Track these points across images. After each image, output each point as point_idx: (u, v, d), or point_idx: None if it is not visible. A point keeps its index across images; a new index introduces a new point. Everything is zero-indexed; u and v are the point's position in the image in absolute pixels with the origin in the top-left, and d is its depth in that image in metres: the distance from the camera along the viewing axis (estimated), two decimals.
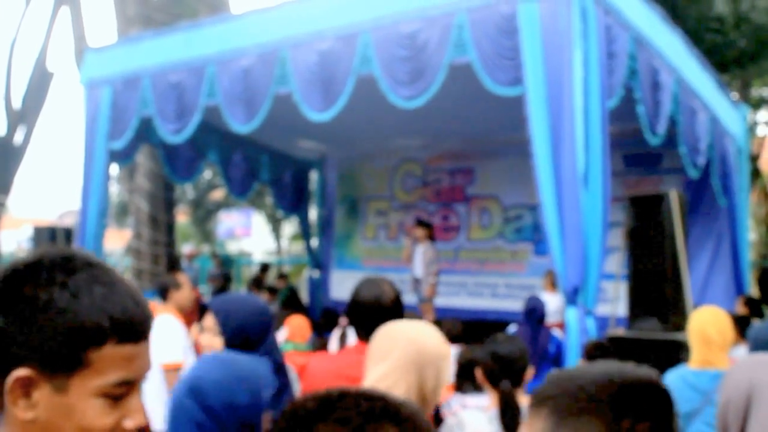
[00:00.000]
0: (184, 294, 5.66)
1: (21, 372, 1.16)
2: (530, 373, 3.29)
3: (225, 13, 12.65)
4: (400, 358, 2.20)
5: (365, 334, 3.05)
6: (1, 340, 1.17)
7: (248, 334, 2.78)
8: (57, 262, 1.21)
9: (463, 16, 6.25)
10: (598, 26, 5.88)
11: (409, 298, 10.28)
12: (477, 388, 3.78)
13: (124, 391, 1.23)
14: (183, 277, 5.83)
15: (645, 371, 1.27)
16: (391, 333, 2.30)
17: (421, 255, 10.51)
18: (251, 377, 2.11)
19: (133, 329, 1.23)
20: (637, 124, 7.00)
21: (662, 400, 1.24)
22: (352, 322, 3.12)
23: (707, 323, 3.95)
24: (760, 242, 20.90)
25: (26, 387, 1.17)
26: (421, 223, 10.89)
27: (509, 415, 3.03)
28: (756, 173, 17.38)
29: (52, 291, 1.18)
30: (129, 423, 1.23)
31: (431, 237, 10.72)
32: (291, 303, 13.16)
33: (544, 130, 5.84)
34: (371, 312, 3.02)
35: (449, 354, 2.31)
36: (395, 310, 3.06)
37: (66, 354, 1.17)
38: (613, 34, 6.20)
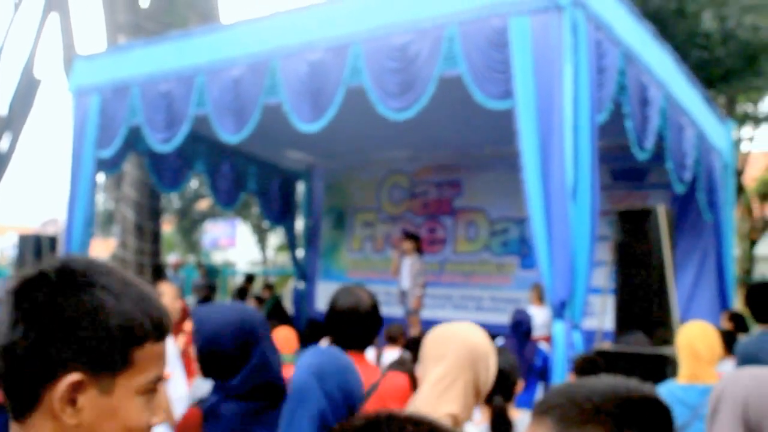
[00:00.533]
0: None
1: (74, 377, 1.17)
2: (520, 385, 3.29)
3: (215, 23, 12.64)
4: (456, 358, 2.39)
5: (344, 342, 3.06)
6: (37, 351, 1.17)
7: (221, 344, 2.68)
8: (89, 268, 1.24)
9: (454, 29, 6.26)
10: (588, 41, 5.90)
11: (396, 311, 10.29)
12: None
13: (156, 388, 1.27)
14: (164, 287, 5.77)
15: (648, 387, 1.32)
16: (443, 335, 2.49)
17: (409, 267, 10.52)
18: (354, 370, 2.32)
19: (165, 327, 1.28)
20: (624, 139, 7.04)
21: (663, 415, 1.27)
22: (331, 331, 3.12)
23: (696, 338, 3.96)
24: (743, 257, 21.02)
25: (74, 392, 1.18)
26: (409, 235, 10.91)
27: (501, 429, 3.03)
28: (740, 189, 17.49)
29: (96, 294, 1.20)
30: (155, 419, 1.27)
31: (419, 249, 10.74)
32: (276, 313, 13.13)
33: (533, 144, 5.86)
34: (349, 320, 3.03)
35: (494, 350, 2.50)
36: (373, 317, 3.07)
37: (115, 354, 1.20)
38: (603, 50, 6.24)
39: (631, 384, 1.31)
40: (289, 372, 5.86)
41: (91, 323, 1.18)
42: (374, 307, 3.08)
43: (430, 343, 2.50)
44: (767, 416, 2.20)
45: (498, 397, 3.14)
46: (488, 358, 2.43)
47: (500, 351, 3.46)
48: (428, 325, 10.22)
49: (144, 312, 1.23)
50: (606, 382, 1.32)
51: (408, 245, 10.69)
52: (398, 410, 1.08)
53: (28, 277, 1.21)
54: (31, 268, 1.24)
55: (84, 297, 1.19)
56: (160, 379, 1.27)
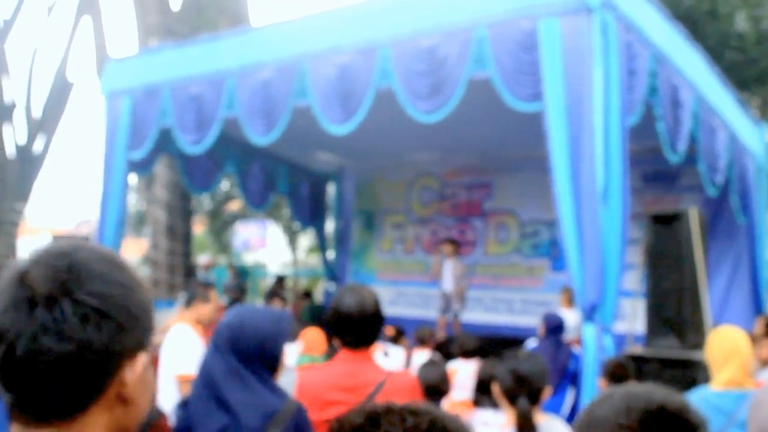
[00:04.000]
0: (208, 309, 5.64)
1: (144, 358, 1.20)
2: (548, 391, 3.26)
3: (245, 26, 12.70)
4: None
5: (350, 342, 3.05)
6: (113, 343, 1.14)
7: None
8: (113, 255, 1.23)
9: (483, 31, 6.24)
10: (618, 43, 5.85)
11: (427, 313, 10.37)
12: (494, 404, 3.75)
13: None
14: (214, 293, 5.81)
15: (677, 398, 1.31)
16: None
17: (451, 270, 10.80)
18: None
19: None
20: (656, 142, 6.97)
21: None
22: (335, 332, 3.11)
23: (731, 343, 3.90)
24: None
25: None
26: (448, 240, 11.27)
27: None
28: None
29: (133, 277, 1.22)
30: None
31: (457, 253, 11.03)
32: (313, 316, 13.14)
33: (563, 146, 5.81)
34: (355, 320, 3.02)
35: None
36: (377, 317, 3.07)
37: (151, 332, 1.23)
38: (634, 51, 6.18)
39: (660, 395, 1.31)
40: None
41: (144, 308, 1.20)
42: (377, 306, 3.08)
43: None
44: None
45: (524, 399, 3.11)
46: None
47: (531, 355, 3.43)
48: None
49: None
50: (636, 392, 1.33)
51: (449, 248, 11.02)
52: (396, 403, 1.06)
53: (65, 269, 1.13)
54: (48, 260, 1.14)
55: (132, 274, 1.21)
56: None
